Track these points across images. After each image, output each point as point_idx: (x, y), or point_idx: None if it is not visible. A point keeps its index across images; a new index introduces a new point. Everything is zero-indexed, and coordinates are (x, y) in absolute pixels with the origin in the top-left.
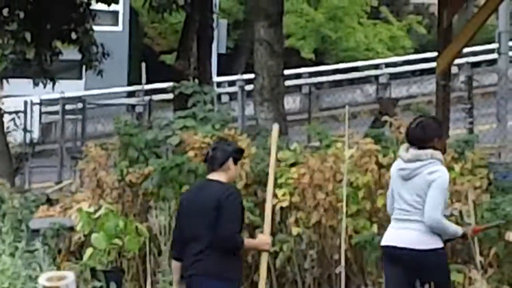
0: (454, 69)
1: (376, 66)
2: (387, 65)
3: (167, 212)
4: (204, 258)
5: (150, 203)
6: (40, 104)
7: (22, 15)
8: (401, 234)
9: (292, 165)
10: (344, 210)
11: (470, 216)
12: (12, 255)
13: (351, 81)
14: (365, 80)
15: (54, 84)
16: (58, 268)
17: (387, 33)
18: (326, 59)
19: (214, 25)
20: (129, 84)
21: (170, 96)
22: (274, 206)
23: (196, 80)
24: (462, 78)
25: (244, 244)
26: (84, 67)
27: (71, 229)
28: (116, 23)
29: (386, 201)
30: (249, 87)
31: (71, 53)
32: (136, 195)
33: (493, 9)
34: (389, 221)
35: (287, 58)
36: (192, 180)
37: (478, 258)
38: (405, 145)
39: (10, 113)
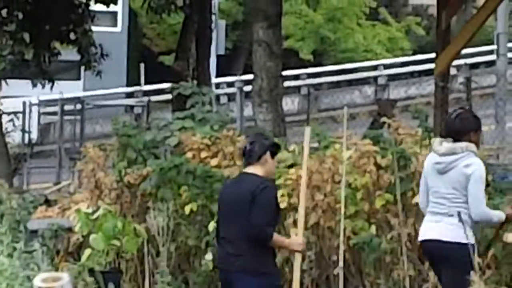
0: (452, 71)
1: (375, 67)
2: (386, 66)
3: (165, 213)
4: (240, 252)
5: (149, 204)
6: (39, 104)
7: (20, 15)
8: (434, 228)
9: (291, 166)
10: (343, 211)
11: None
12: (10, 255)
13: (350, 82)
14: (364, 81)
15: (52, 84)
16: (56, 269)
17: (386, 34)
18: (324, 60)
19: (213, 26)
20: (128, 85)
21: (168, 97)
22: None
23: (195, 81)
24: (460, 79)
25: (276, 241)
26: (82, 67)
27: (69, 230)
28: (115, 24)
29: (418, 197)
30: (247, 88)
31: (69, 54)
32: (134, 196)
33: (492, 10)
34: (386, 222)
35: (285, 59)
36: (190, 181)
37: (476, 260)
38: (438, 139)
39: (8, 113)
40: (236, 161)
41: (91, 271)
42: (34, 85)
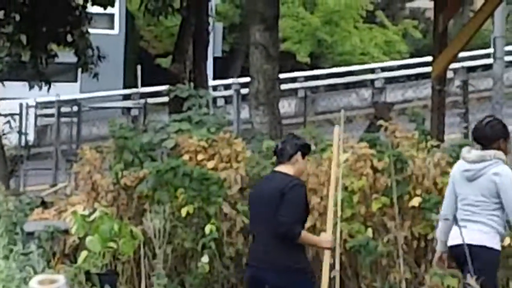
0: (449, 74)
1: (372, 70)
2: (383, 69)
3: (162, 215)
4: (271, 250)
5: (145, 206)
6: (36, 106)
7: (17, 17)
8: (462, 232)
9: None
10: (339, 214)
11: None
12: (6, 257)
13: (347, 85)
14: (361, 84)
15: (49, 86)
16: (53, 271)
17: (383, 37)
18: (321, 63)
19: (210, 28)
20: (125, 87)
21: (165, 99)
22: None
23: (192, 84)
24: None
25: (305, 237)
26: (79, 70)
27: (66, 232)
28: (112, 26)
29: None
30: (244, 91)
31: (66, 56)
32: (131, 198)
33: (489, 14)
34: (383, 225)
35: (282, 62)
36: (187, 183)
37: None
38: (467, 147)
39: (5, 115)
40: (233, 164)
41: (88, 273)
42: (31, 87)
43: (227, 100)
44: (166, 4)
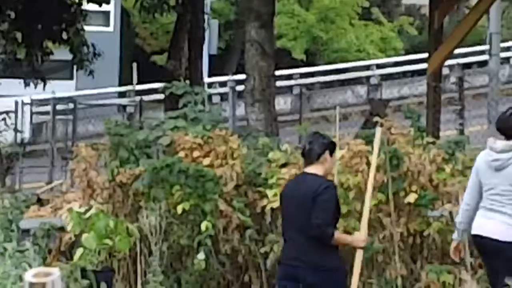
0: (445, 70)
1: (367, 67)
2: (378, 66)
3: (157, 213)
4: (304, 250)
5: (141, 203)
6: (31, 104)
7: (13, 15)
8: (486, 224)
9: (283, 165)
10: None
11: None
12: (2, 255)
13: (342, 82)
14: (356, 81)
15: (45, 84)
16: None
17: (378, 34)
18: (317, 60)
19: (205, 25)
20: (120, 85)
21: (161, 96)
22: (265, 206)
23: (187, 81)
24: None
25: (338, 238)
26: (75, 67)
27: (62, 229)
28: (107, 24)
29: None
30: (240, 88)
31: (62, 53)
32: (126, 195)
33: (484, 10)
34: (378, 222)
35: (278, 59)
36: (182, 180)
37: (468, 259)
38: (491, 137)
39: (1, 113)
40: (229, 161)
41: (83, 271)
42: (27, 85)
43: (223, 97)
44: (162, 2)
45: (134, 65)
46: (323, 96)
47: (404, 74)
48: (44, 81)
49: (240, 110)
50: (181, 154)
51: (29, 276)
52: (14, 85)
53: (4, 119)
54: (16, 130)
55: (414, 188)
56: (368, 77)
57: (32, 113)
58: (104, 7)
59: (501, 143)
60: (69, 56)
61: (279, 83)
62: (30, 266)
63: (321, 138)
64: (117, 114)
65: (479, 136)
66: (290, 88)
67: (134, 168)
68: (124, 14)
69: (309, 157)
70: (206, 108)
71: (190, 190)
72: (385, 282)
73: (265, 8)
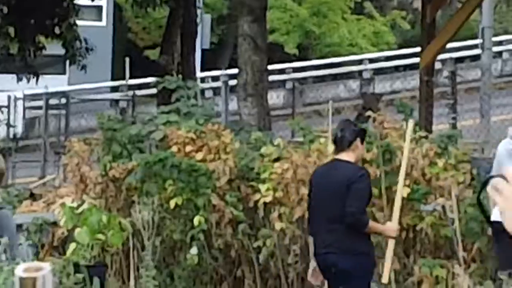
0: (437, 65)
1: (360, 62)
2: (371, 60)
3: (150, 207)
4: (338, 236)
5: (134, 198)
6: (24, 99)
7: (5, 10)
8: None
9: (276, 160)
10: None
11: (454, 211)
12: None
13: (335, 76)
14: (349, 75)
15: (37, 79)
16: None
17: (371, 28)
18: (310, 54)
19: (198, 20)
20: (113, 79)
21: (153, 91)
22: (257, 201)
23: (180, 75)
24: (445, 73)
25: (372, 226)
26: (67, 62)
27: (54, 224)
28: (99, 18)
29: None
30: (233, 82)
31: (54, 48)
32: (119, 190)
33: (477, 4)
34: (371, 216)
35: (271, 53)
36: (175, 175)
37: (461, 253)
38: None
39: None
40: (221, 155)
41: (76, 265)
42: (19, 79)
43: (216, 91)
44: None
45: (127, 59)
46: (316, 90)
47: (396, 68)
48: (37, 76)
49: (233, 105)
50: (174, 148)
51: (19, 271)
52: (7, 80)
53: None
54: (8, 125)
55: (407, 182)
56: (360, 72)
57: (24, 108)
58: (97, 1)
59: None
60: (62, 51)
61: (271, 78)
62: (24, 261)
63: (352, 125)
64: (110, 108)
65: (471, 130)
66: (282, 82)
67: (127, 163)
68: (117, 8)
69: (341, 144)
70: (199, 102)
71: (182, 185)
72: (378, 276)
73: (257, 3)
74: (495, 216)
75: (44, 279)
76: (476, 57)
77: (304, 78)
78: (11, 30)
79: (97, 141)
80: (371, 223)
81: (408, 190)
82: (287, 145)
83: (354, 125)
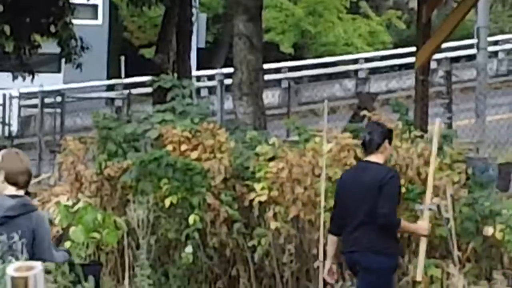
0: (433, 64)
1: (355, 61)
2: (366, 60)
3: (145, 206)
4: (364, 235)
5: (129, 197)
6: (19, 97)
7: (1, 8)
8: None
9: (271, 159)
10: (323, 204)
11: (448, 211)
12: None
13: (330, 76)
14: (344, 74)
15: (33, 77)
16: None
17: (367, 28)
18: (305, 53)
19: (194, 19)
20: (108, 78)
21: (149, 90)
22: (253, 200)
23: (175, 74)
24: (441, 73)
25: (403, 226)
26: (63, 60)
27: (49, 222)
28: (95, 17)
29: None
30: (228, 81)
31: (50, 47)
32: (114, 188)
33: (472, 4)
34: None
35: (266, 53)
36: (170, 173)
37: (456, 253)
38: None
39: None
40: (216, 154)
41: (71, 264)
42: (15, 78)
43: (211, 90)
44: None
45: (122, 58)
46: (311, 89)
47: (392, 67)
48: (32, 74)
49: (228, 104)
50: (169, 147)
51: (11, 270)
52: (2, 78)
53: None
54: (4, 123)
55: (402, 182)
56: (356, 71)
57: (20, 106)
58: (92, 0)
59: None
60: (57, 49)
61: (267, 77)
62: (18, 260)
63: (379, 127)
64: (105, 107)
65: (467, 130)
66: (278, 81)
67: (122, 162)
68: (112, 7)
69: (370, 147)
70: (194, 101)
71: (178, 184)
72: None
73: (253, 2)
74: None
75: (36, 278)
76: (471, 57)
77: (300, 78)
78: (7, 29)
79: (92, 140)
80: (403, 223)
81: (403, 189)
82: (282, 144)
83: (382, 127)
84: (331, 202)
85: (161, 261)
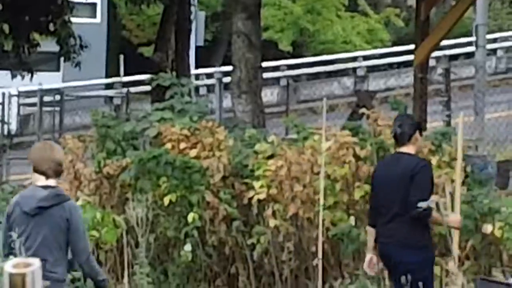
0: (431, 62)
1: (354, 59)
2: (365, 57)
3: (144, 204)
4: (399, 227)
5: (128, 195)
6: (18, 96)
7: None
8: None
9: (270, 157)
10: (321, 202)
11: (447, 208)
12: None
13: (329, 74)
14: (343, 72)
15: (32, 76)
16: None
17: (365, 25)
18: (304, 51)
19: (192, 17)
20: (107, 76)
21: (148, 88)
22: (251, 198)
23: (174, 72)
24: (439, 70)
25: (435, 217)
26: (62, 59)
27: None
28: (94, 15)
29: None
30: (227, 79)
31: (49, 45)
32: (113, 187)
33: (471, 2)
34: (365, 213)
35: (265, 51)
36: (169, 172)
37: (455, 251)
38: None
39: None
40: (215, 152)
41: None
42: (14, 76)
43: (210, 88)
44: None
45: (121, 56)
46: (310, 87)
47: (390, 65)
48: (31, 73)
49: (227, 102)
50: (168, 145)
51: (8, 266)
52: (1, 77)
53: None
54: (3, 122)
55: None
56: (354, 69)
57: (19, 105)
58: None
59: None
60: (56, 48)
61: (265, 75)
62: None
63: (409, 119)
64: (104, 105)
65: (465, 128)
66: (277, 79)
67: (121, 160)
68: (111, 6)
69: (401, 139)
70: (193, 99)
71: (176, 182)
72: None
73: (251, 0)
74: None
75: (33, 275)
76: (470, 55)
77: (298, 75)
78: (6, 27)
79: (91, 138)
80: (434, 214)
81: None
82: (281, 142)
83: (412, 119)
84: (330, 200)
85: (160, 259)
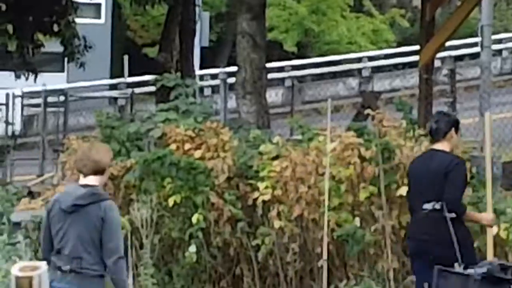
0: (437, 63)
1: (359, 60)
2: (370, 58)
3: (149, 205)
4: (433, 223)
5: (132, 196)
6: (22, 96)
7: (4, 7)
8: None
9: (275, 158)
10: (326, 203)
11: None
12: None
13: (334, 74)
14: (348, 73)
15: (36, 76)
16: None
17: (370, 26)
18: (309, 52)
19: (197, 18)
20: (112, 77)
21: (152, 89)
22: (256, 199)
23: (179, 73)
24: (444, 71)
25: (468, 214)
26: (66, 59)
27: None
28: (98, 16)
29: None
30: (231, 80)
31: (53, 46)
32: (118, 188)
33: (476, 2)
34: (370, 214)
35: (269, 51)
36: (174, 173)
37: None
38: None
39: None
40: (220, 153)
41: None
42: (18, 77)
43: (214, 89)
44: None
45: (125, 57)
46: (315, 88)
47: (395, 66)
48: (35, 74)
49: (232, 103)
50: (173, 146)
51: (15, 270)
52: (5, 78)
53: None
54: (7, 123)
55: (406, 181)
56: (359, 70)
57: (23, 106)
58: None
59: None
60: (60, 49)
61: (270, 76)
62: (21, 259)
63: (446, 116)
64: (108, 106)
65: (471, 129)
66: (281, 80)
67: (125, 161)
68: (116, 6)
69: (437, 135)
70: (198, 100)
71: (181, 183)
72: (377, 274)
73: (256, 0)
74: None
75: (40, 278)
76: (475, 55)
77: (303, 76)
78: (10, 28)
79: (96, 139)
80: (468, 212)
81: (407, 188)
82: (286, 143)
83: (448, 116)
84: (335, 201)
85: (165, 260)
